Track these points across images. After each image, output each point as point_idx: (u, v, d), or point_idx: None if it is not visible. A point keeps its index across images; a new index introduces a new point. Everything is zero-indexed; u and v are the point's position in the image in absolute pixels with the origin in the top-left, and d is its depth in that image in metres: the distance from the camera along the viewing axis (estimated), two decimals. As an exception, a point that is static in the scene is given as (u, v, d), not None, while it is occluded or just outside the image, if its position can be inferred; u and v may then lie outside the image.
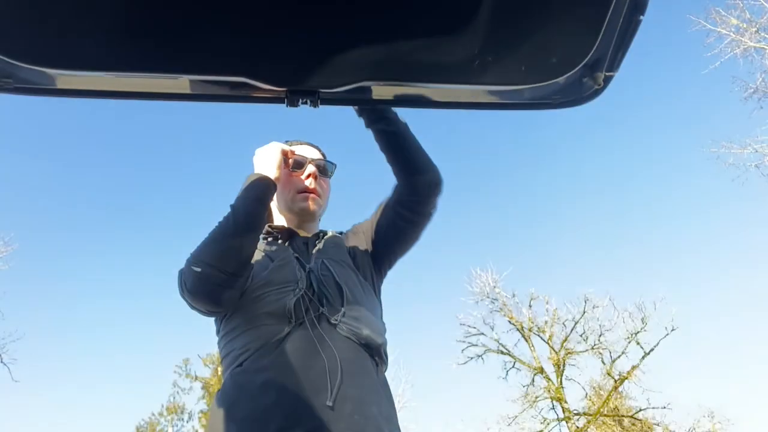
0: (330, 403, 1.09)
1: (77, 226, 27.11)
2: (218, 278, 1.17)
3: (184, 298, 1.23)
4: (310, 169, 1.43)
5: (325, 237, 1.45)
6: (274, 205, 1.46)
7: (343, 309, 1.23)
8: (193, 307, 1.25)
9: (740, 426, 15.72)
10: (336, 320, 1.21)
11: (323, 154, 1.53)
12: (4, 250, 14.05)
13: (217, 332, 1.32)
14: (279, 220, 1.48)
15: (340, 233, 1.51)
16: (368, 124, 1.33)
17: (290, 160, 1.43)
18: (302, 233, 1.44)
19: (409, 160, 1.37)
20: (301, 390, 1.11)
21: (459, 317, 16.41)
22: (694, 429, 15.06)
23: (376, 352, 1.25)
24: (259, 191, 1.28)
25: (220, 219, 1.25)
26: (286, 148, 1.39)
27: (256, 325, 1.21)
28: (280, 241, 1.40)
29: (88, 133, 25.75)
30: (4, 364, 13.54)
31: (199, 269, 1.17)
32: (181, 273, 1.22)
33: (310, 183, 1.43)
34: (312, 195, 1.43)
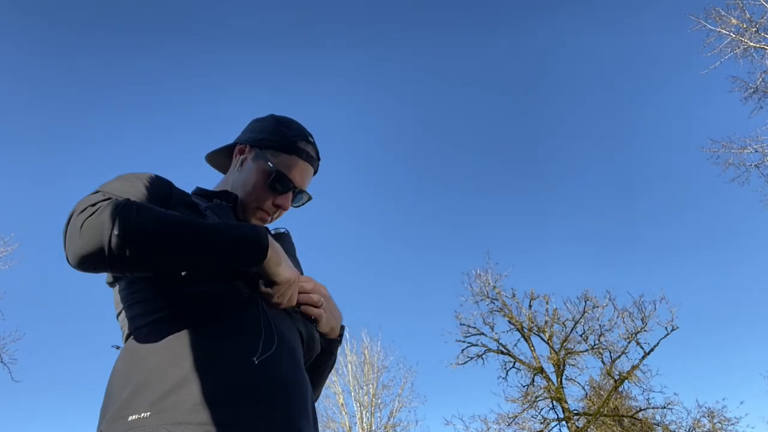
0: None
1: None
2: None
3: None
4: (283, 201, 1.23)
5: (280, 235, 1.25)
6: (231, 179, 1.27)
7: None
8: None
9: (740, 426, 15.69)
10: None
11: (316, 170, 1.30)
12: (4, 250, 14.04)
13: None
14: (222, 186, 1.28)
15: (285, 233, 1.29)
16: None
17: (275, 178, 1.21)
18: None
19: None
20: None
21: (459, 317, 16.42)
22: (694, 429, 15.05)
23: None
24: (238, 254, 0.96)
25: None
26: (316, 292, 1.14)
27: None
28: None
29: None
30: (4, 364, 13.52)
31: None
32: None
33: (274, 211, 1.24)
34: (268, 220, 1.25)
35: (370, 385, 18.82)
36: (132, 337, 0.99)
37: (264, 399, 0.89)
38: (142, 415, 0.82)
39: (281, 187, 1.22)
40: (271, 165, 1.22)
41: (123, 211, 0.89)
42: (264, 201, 1.22)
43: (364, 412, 17.58)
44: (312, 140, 1.28)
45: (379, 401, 17.76)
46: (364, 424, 17.29)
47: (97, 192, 0.99)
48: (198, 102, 25.98)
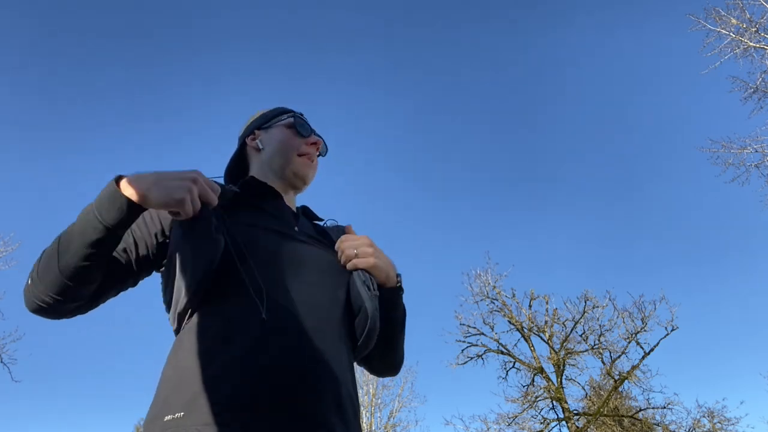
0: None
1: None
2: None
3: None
4: (316, 138, 1.31)
5: (323, 223, 1.29)
6: (258, 164, 1.29)
7: None
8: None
9: (740, 426, 15.70)
10: None
11: None
12: (4, 250, 14.03)
13: None
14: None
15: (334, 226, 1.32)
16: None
17: (299, 122, 1.30)
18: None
19: (387, 359, 1.20)
20: None
21: (459, 317, 16.42)
22: (694, 429, 15.05)
23: None
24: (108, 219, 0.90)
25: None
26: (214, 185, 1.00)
27: None
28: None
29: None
30: (4, 364, 13.51)
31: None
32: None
33: (313, 150, 1.30)
34: (311, 162, 1.29)
35: (370, 385, 18.84)
36: (176, 335, 1.01)
37: (282, 398, 0.87)
38: (176, 415, 0.84)
39: (306, 129, 1.31)
40: (285, 119, 1.31)
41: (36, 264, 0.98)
42: (300, 146, 1.28)
43: (364, 412, 17.59)
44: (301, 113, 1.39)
45: (379, 401, 17.79)
46: (364, 425, 17.30)
47: None
48: (192, 103, 25.96)
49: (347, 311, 1.08)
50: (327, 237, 1.23)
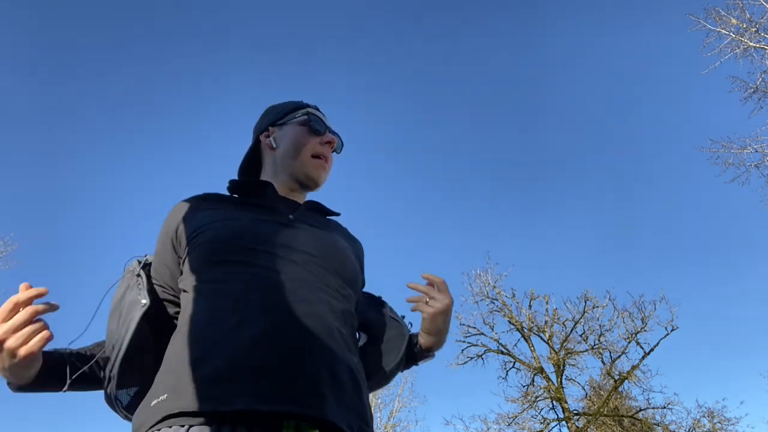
0: None
1: (77, 222, 27.09)
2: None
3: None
4: (330, 137, 1.26)
5: (331, 220, 1.27)
6: (271, 163, 1.27)
7: None
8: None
9: (740, 426, 15.70)
10: None
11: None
12: (3, 250, 14.03)
13: None
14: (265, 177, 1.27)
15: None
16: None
17: (312, 120, 1.26)
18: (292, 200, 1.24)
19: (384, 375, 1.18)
20: None
21: (459, 317, 16.41)
22: (694, 429, 15.05)
23: None
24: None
25: None
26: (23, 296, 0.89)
27: None
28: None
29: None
30: (4, 364, 13.46)
31: None
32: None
33: (327, 150, 1.25)
34: (325, 163, 1.24)
35: (370, 385, 18.77)
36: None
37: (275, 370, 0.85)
38: (161, 398, 0.83)
39: (320, 127, 1.27)
40: (299, 116, 1.28)
41: None
42: (314, 146, 1.24)
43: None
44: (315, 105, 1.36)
45: (379, 401, 17.77)
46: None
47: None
48: (195, 101, 25.95)
49: (343, 293, 1.04)
50: (343, 232, 1.25)
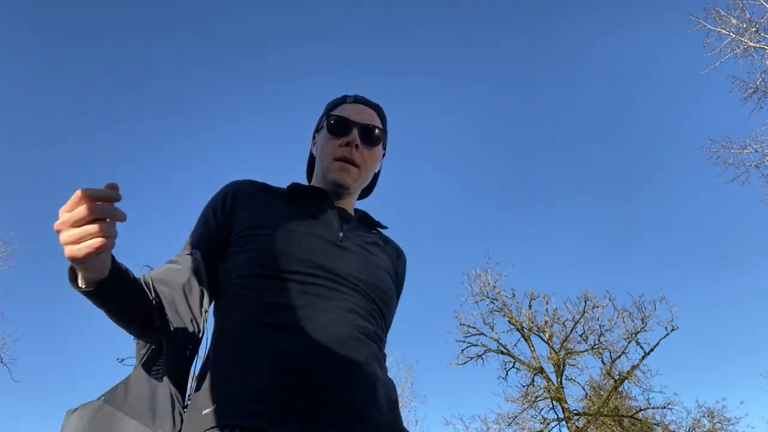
0: None
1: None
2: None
3: None
4: (352, 135, 1.21)
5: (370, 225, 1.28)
6: (316, 170, 1.29)
7: None
8: None
9: (740, 426, 15.69)
10: None
11: (382, 117, 1.30)
12: (3, 250, 14.03)
13: None
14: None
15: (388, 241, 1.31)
16: None
17: (332, 122, 1.23)
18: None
19: None
20: None
21: (459, 317, 16.41)
22: (694, 429, 15.05)
23: None
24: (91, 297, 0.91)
25: None
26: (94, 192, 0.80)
27: None
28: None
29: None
30: (4, 364, 13.53)
31: None
32: None
33: (348, 152, 1.20)
34: (349, 165, 1.21)
35: (370, 385, 18.72)
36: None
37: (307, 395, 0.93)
38: (210, 408, 0.91)
39: (340, 127, 1.23)
40: (326, 121, 1.26)
41: None
42: (335, 149, 1.22)
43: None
44: (355, 95, 1.31)
45: (379, 401, 17.67)
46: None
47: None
48: (198, 102, 25.96)
49: (377, 317, 1.11)
50: (387, 247, 1.27)
